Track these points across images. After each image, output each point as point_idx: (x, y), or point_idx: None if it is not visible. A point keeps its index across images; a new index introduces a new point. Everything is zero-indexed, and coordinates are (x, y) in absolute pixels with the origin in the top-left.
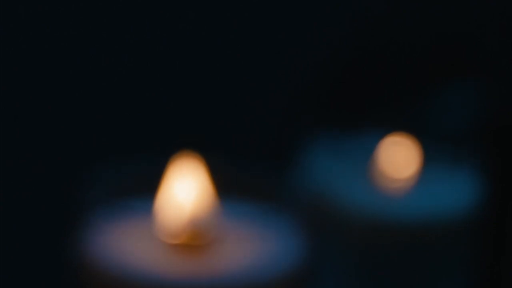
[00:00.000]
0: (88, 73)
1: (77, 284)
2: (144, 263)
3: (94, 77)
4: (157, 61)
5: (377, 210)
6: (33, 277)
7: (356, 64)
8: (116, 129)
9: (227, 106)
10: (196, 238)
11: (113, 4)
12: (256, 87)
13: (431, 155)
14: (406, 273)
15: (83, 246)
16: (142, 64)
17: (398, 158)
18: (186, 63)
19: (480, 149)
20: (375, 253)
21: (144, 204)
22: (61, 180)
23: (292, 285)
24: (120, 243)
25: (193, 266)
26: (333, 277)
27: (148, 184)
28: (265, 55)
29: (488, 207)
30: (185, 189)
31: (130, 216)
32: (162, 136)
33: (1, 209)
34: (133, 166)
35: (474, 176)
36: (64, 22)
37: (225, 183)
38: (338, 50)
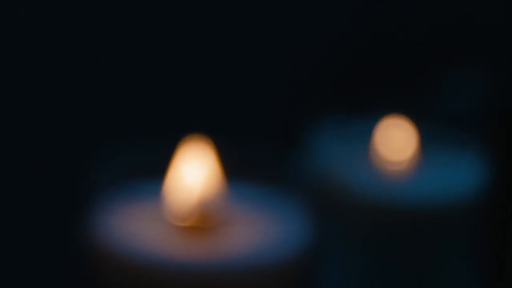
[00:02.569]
0: (101, 57)
1: (86, 267)
2: (153, 245)
3: (107, 63)
4: (167, 49)
5: (382, 193)
6: (42, 260)
7: (362, 50)
8: (126, 112)
9: (235, 90)
10: (204, 220)
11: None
12: (264, 72)
13: (437, 138)
14: (410, 255)
15: (92, 228)
16: (153, 53)
17: (404, 141)
18: (194, 49)
19: (486, 132)
20: (380, 236)
21: (153, 187)
22: (71, 163)
23: (299, 267)
24: (129, 225)
25: (201, 248)
26: (338, 259)
27: (157, 167)
28: (273, 41)
29: (493, 190)
30: (194, 172)
31: (139, 198)
32: (171, 119)
33: (10, 192)
34: (143, 149)
35: (479, 159)
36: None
37: (232, 166)
38: (344, 36)
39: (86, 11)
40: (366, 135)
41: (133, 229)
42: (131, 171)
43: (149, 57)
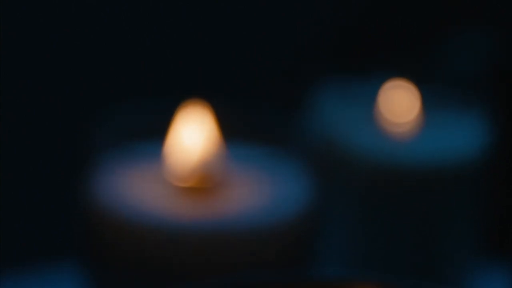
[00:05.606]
0: (105, 23)
1: (88, 228)
2: (153, 205)
3: (110, 26)
4: (168, 15)
5: (385, 154)
6: (45, 221)
7: (366, 12)
8: (127, 75)
9: (236, 52)
10: (204, 181)
11: None
12: (266, 34)
13: (440, 99)
14: (412, 217)
15: (93, 189)
16: (154, 18)
17: (407, 103)
18: (196, 11)
19: (488, 92)
20: (382, 197)
21: (154, 148)
22: (72, 125)
23: (299, 228)
24: (130, 186)
25: (201, 208)
26: (339, 221)
27: (157, 128)
28: (276, 3)
29: (495, 151)
30: (194, 133)
31: (140, 159)
32: (172, 81)
33: (13, 154)
34: (144, 110)
35: (482, 120)
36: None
37: (233, 127)
38: None
39: None
40: (369, 97)
41: (134, 190)
42: (132, 133)
43: (151, 22)
